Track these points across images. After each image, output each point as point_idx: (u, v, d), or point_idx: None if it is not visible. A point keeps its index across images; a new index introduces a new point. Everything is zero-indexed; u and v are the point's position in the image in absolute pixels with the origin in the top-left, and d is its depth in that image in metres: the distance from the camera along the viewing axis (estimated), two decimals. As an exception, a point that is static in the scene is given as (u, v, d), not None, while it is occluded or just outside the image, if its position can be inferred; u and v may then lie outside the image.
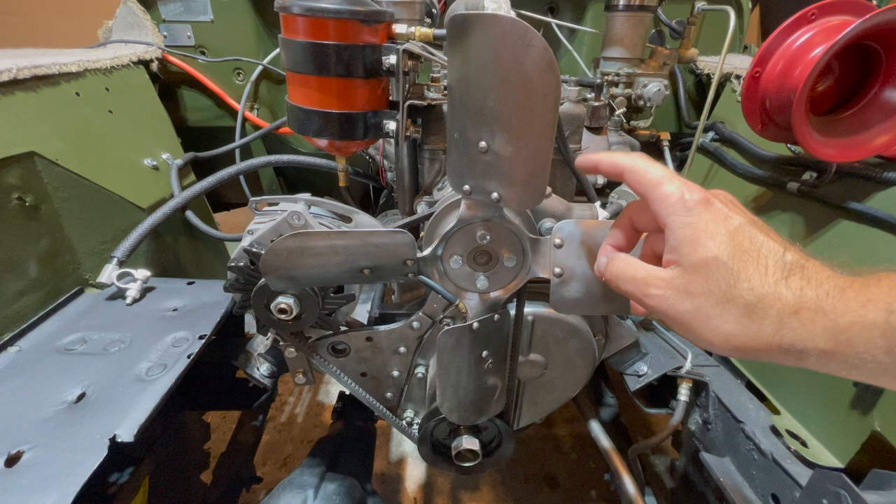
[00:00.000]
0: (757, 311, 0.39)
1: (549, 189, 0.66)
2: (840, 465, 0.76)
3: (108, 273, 0.87)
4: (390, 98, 0.76)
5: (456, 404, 0.72)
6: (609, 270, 0.50)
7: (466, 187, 0.56)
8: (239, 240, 0.78)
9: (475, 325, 0.66)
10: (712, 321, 0.41)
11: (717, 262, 0.40)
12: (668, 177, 0.45)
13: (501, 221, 0.61)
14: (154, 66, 1.32)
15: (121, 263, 0.89)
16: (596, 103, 1.07)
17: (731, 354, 0.44)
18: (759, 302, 0.39)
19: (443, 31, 0.70)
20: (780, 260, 0.39)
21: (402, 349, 0.80)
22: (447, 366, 0.68)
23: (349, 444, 1.04)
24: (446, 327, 0.67)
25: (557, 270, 0.62)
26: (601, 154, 0.51)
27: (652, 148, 1.36)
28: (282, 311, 0.69)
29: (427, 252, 0.64)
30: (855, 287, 0.37)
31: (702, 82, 1.48)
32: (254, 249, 0.68)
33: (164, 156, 1.18)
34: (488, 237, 0.62)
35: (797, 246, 0.41)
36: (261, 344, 0.91)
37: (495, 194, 0.55)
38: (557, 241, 0.61)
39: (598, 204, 0.84)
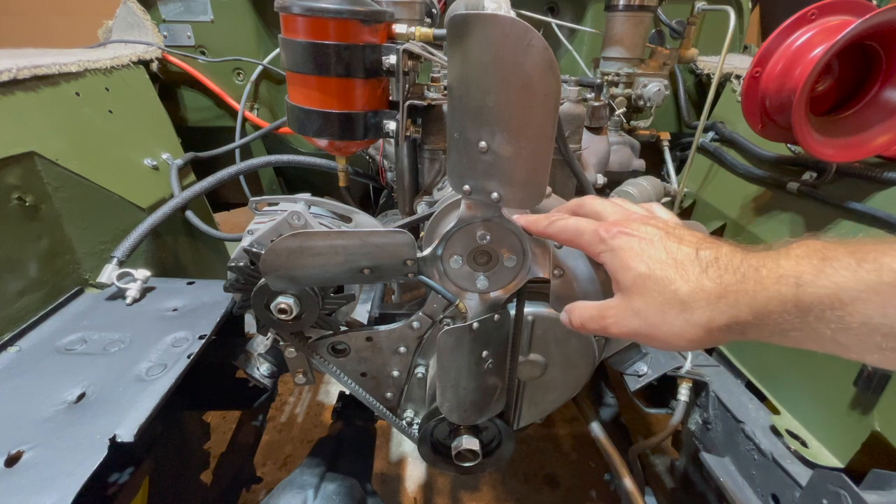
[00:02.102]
0: (690, 305, 0.44)
1: (549, 189, 0.66)
2: (840, 465, 0.76)
3: (108, 273, 0.87)
4: (390, 98, 0.76)
5: (456, 404, 0.72)
6: (574, 319, 0.55)
7: (466, 187, 0.56)
8: (239, 240, 0.78)
9: (475, 325, 0.66)
10: (662, 327, 0.46)
11: (644, 278, 0.46)
12: (582, 223, 0.52)
13: (501, 221, 0.61)
14: (154, 66, 1.32)
15: (121, 263, 0.89)
16: (596, 103, 1.07)
17: (691, 348, 0.49)
18: (688, 297, 0.44)
19: (443, 31, 0.70)
20: (694, 259, 0.45)
21: (402, 349, 0.80)
22: (447, 366, 0.68)
23: (349, 444, 1.04)
24: (446, 327, 0.67)
25: (557, 271, 0.62)
26: (531, 224, 0.58)
27: (652, 148, 1.36)
28: (282, 311, 0.69)
29: (427, 252, 0.64)
30: (768, 264, 0.41)
31: (702, 82, 1.48)
32: (254, 249, 0.68)
33: (164, 156, 1.18)
34: (488, 237, 0.62)
35: (711, 239, 0.47)
36: (261, 344, 0.90)
37: (495, 194, 0.55)
38: None
39: None
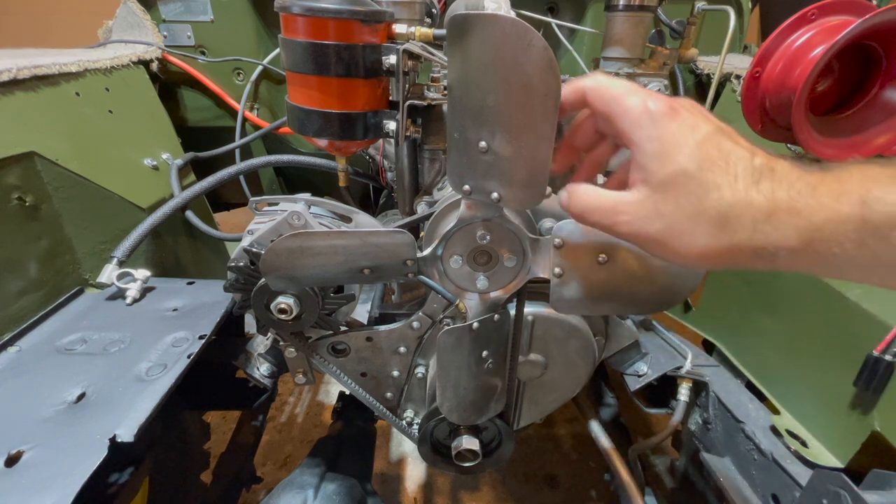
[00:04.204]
0: (730, 220, 0.38)
1: (549, 189, 0.66)
2: (840, 465, 0.76)
3: (108, 273, 0.87)
4: (390, 98, 0.76)
5: (456, 404, 0.72)
6: (574, 204, 0.47)
7: (466, 187, 0.55)
8: (239, 240, 0.78)
9: (475, 325, 0.66)
10: (685, 237, 0.40)
11: (686, 176, 0.39)
12: (630, 89, 0.43)
13: (501, 221, 0.61)
14: (154, 66, 1.32)
15: (121, 263, 0.89)
16: (596, 103, 1.06)
17: (705, 267, 0.44)
18: (730, 210, 0.38)
19: (443, 31, 0.70)
20: (748, 166, 0.38)
21: (402, 349, 0.80)
22: (447, 366, 0.68)
23: (349, 444, 1.04)
24: (446, 327, 0.67)
25: (557, 270, 0.62)
26: (565, 89, 0.48)
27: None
28: (282, 311, 0.69)
29: (427, 252, 0.64)
30: (826, 183, 0.36)
31: (702, 82, 1.48)
32: (254, 249, 0.68)
33: (164, 156, 1.18)
34: (488, 237, 0.62)
35: (765, 149, 0.40)
36: (261, 344, 0.90)
37: (495, 194, 0.55)
38: (557, 241, 0.61)
39: None
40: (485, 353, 0.69)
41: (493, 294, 0.67)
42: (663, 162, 0.40)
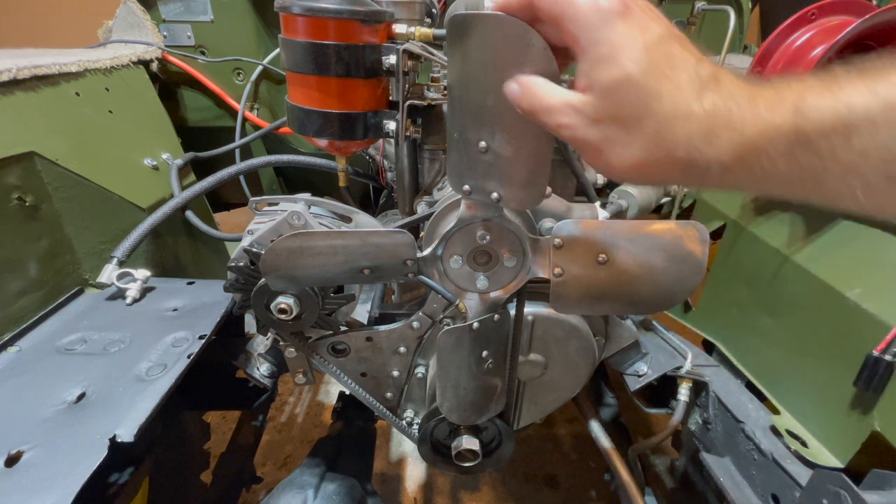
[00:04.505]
0: (666, 135, 0.37)
1: (548, 189, 0.66)
2: (840, 465, 0.76)
3: (108, 273, 0.87)
4: (390, 98, 0.76)
5: (456, 404, 0.72)
6: (524, 99, 0.43)
7: (466, 187, 0.55)
8: (239, 240, 0.78)
9: (475, 325, 0.66)
10: (618, 148, 0.38)
11: (630, 83, 0.37)
12: None
13: (501, 221, 0.61)
14: (154, 66, 1.32)
15: (121, 263, 0.89)
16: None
17: (634, 181, 0.42)
18: (668, 124, 0.36)
19: (443, 31, 0.70)
20: (694, 74, 0.36)
21: (402, 349, 0.80)
22: (447, 366, 0.68)
23: (349, 444, 1.04)
24: (446, 327, 0.67)
25: (557, 270, 0.62)
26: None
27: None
28: (282, 311, 0.69)
29: (427, 252, 0.64)
30: (765, 94, 0.35)
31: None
32: (254, 249, 0.68)
33: (164, 156, 1.18)
34: (488, 237, 0.62)
35: (709, 56, 0.38)
36: (261, 344, 0.90)
37: (495, 194, 0.55)
38: (557, 241, 0.61)
39: (598, 204, 0.84)
40: (485, 353, 0.69)
41: (494, 294, 0.67)
42: (608, 67, 0.37)
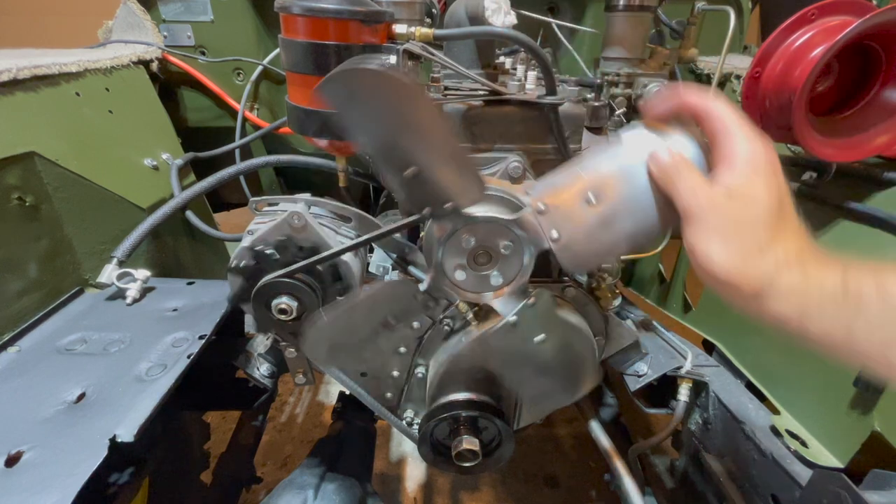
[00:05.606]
0: (750, 263, 0.45)
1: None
2: (840, 465, 0.76)
3: (108, 273, 0.87)
4: (390, 98, 0.76)
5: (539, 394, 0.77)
6: (671, 165, 0.50)
7: (426, 211, 0.58)
8: (239, 240, 0.78)
9: (512, 318, 0.66)
10: (714, 246, 0.45)
11: (756, 205, 0.45)
12: (739, 128, 0.48)
13: (473, 221, 0.61)
14: (154, 66, 1.32)
15: (121, 263, 0.89)
16: (596, 103, 1.06)
17: (711, 279, 0.48)
18: (767, 249, 0.44)
19: (443, 32, 0.70)
20: (804, 245, 0.45)
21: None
22: (510, 366, 0.72)
23: (349, 444, 1.04)
24: (484, 332, 0.69)
25: (554, 234, 0.60)
26: (673, 98, 0.52)
27: (652, 148, 1.35)
28: (282, 311, 0.69)
29: (430, 280, 0.65)
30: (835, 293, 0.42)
31: (702, 82, 1.48)
32: (257, 248, 0.69)
33: (164, 156, 1.18)
34: (473, 240, 0.62)
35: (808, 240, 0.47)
36: (261, 344, 0.90)
37: (448, 203, 0.58)
38: (540, 206, 0.59)
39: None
40: (538, 339, 0.69)
41: (513, 283, 0.66)
42: (749, 185, 0.46)
